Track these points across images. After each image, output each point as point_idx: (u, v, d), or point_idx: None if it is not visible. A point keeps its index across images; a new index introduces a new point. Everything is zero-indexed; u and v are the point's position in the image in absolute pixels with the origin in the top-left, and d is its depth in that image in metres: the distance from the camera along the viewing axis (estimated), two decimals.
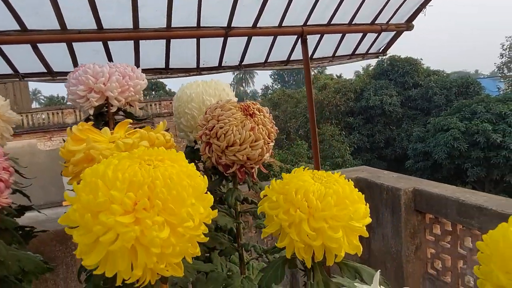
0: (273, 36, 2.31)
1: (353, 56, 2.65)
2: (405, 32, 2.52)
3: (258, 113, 0.86)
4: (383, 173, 2.38)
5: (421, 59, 19.83)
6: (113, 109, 1.00)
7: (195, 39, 2.15)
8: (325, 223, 0.57)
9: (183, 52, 2.25)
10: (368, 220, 0.62)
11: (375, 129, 19.13)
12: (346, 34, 2.49)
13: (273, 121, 0.90)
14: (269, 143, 0.86)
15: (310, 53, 2.47)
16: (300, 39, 2.24)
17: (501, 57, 18.57)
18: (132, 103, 1.06)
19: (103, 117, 1.02)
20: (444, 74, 21.12)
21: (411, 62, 19.46)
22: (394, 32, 2.50)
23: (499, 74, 20.11)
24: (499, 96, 16.43)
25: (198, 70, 2.41)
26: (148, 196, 0.44)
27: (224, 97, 1.08)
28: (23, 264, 0.74)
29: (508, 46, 18.28)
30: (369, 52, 2.65)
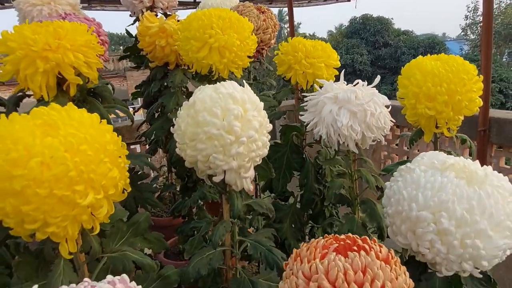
0: None
1: None
2: None
3: (267, 11, 1.27)
4: None
5: (392, 18, 20.35)
6: (158, 11, 1.37)
7: None
8: (315, 59, 1.02)
9: None
10: (338, 63, 1.07)
11: None
12: None
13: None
14: (274, 32, 1.27)
15: None
16: None
17: (466, 18, 19.46)
18: (170, 9, 1.43)
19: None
20: (413, 35, 21.85)
21: (382, 21, 19.96)
22: None
23: (464, 37, 21.06)
24: (461, 56, 17.38)
25: (195, 4, 2.72)
26: (221, 27, 0.86)
27: None
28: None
29: (472, 8, 19.11)
30: None
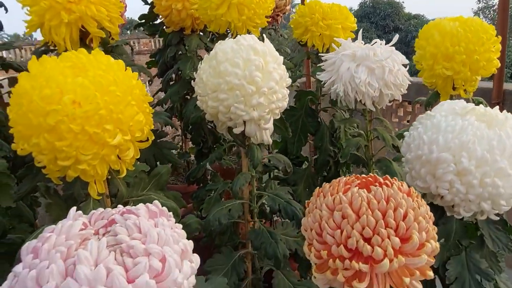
0: None
1: None
2: None
3: None
4: None
5: (403, 2, 19.96)
6: None
7: None
8: (332, 21, 1.02)
9: None
10: (355, 26, 1.06)
11: None
12: None
13: None
14: None
15: None
16: None
17: (478, 2, 18.98)
18: None
19: None
20: (424, 19, 21.42)
21: (393, 5, 19.58)
22: None
23: None
24: None
25: None
26: None
27: None
28: None
29: None
30: None
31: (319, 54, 0.96)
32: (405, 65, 0.90)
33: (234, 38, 0.92)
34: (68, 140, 0.53)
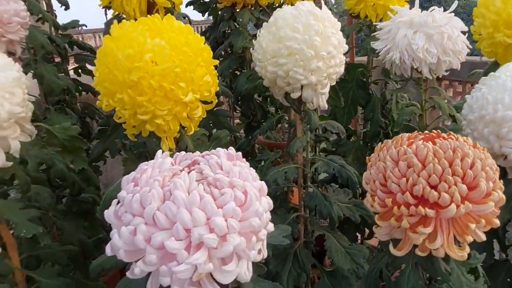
0: None
1: None
2: None
3: None
4: None
5: None
6: None
7: None
8: None
9: None
10: None
11: None
12: None
13: None
14: None
15: None
16: None
17: None
18: None
19: None
20: (473, 0, 20.14)
21: None
22: None
23: None
24: None
25: None
26: None
27: None
28: None
29: None
30: None
31: (374, 23, 0.96)
32: (464, 32, 0.88)
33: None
34: (148, 96, 0.59)
